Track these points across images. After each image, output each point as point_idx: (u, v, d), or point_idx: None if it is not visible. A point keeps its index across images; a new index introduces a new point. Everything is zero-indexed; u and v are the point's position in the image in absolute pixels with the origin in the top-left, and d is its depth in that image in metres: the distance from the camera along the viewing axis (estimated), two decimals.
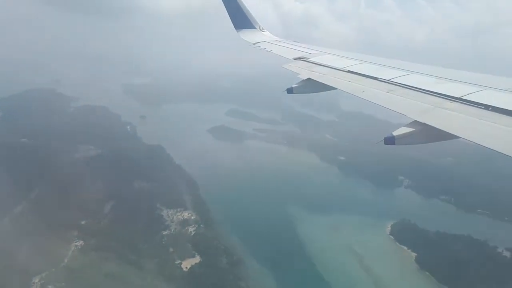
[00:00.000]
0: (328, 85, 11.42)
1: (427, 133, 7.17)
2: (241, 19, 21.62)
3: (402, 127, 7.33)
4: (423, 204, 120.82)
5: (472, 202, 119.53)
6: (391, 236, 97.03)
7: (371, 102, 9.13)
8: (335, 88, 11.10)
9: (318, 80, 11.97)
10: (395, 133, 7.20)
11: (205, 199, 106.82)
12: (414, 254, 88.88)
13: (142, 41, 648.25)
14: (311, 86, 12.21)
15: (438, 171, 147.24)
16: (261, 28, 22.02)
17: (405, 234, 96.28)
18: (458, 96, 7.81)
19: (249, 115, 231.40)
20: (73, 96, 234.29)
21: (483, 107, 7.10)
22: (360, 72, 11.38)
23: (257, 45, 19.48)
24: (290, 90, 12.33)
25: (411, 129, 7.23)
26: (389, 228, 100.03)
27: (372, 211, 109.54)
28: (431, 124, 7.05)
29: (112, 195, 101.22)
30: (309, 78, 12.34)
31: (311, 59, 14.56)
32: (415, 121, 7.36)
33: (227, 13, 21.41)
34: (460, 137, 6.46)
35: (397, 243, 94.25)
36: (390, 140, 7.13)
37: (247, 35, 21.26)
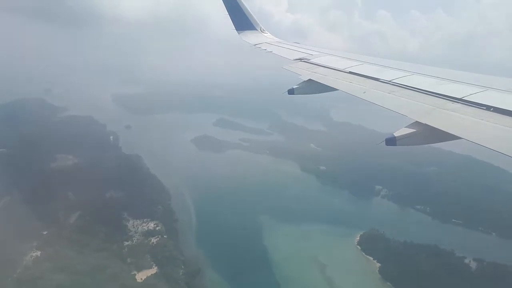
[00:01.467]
0: (329, 86, 11.45)
1: (428, 134, 7.21)
2: (242, 21, 21.87)
3: (404, 128, 7.37)
4: (397, 214, 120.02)
5: (447, 211, 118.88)
6: (358, 246, 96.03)
7: (372, 103, 9.09)
8: (336, 89, 11.11)
9: (319, 81, 12.01)
10: (396, 133, 7.24)
11: (174, 209, 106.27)
12: (378, 265, 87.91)
13: (126, 50, 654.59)
14: (312, 87, 12.25)
15: (419, 180, 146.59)
16: (262, 30, 22.25)
17: (373, 244, 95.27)
18: (460, 97, 7.85)
19: (236, 125, 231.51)
20: (61, 106, 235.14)
21: (484, 108, 7.12)
22: (361, 73, 11.40)
23: (258, 46, 19.57)
24: (291, 91, 12.36)
25: (413, 130, 7.27)
26: (358, 238, 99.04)
27: (344, 220, 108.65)
28: (432, 125, 7.09)
29: (81, 205, 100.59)
30: (310, 79, 12.38)
31: (312, 60, 14.63)
32: (417, 122, 7.42)
33: (228, 15, 21.68)
34: (461, 138, 6.47)
35: (363, 253, 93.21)
36: (391, 141, 7.17)
37: (248, 37, 21.44)
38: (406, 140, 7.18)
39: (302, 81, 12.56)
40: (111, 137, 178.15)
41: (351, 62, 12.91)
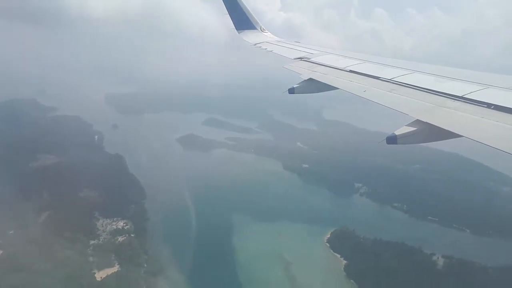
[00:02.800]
0: (330, 85, 11.50)
1: (429, 132, 7.20)
2: (242, 20, 21.94)
3: (404, 126, 7.36)
4: (373, 211, 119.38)
5: (425, 209, 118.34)
6: (327, 244, 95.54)
7: (372, 101, 9.11)
8: (337, 88, 11.15)
9: (319, 80, 12.05)
10: (397, 132, 7.21)
11: (147, 209, 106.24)
12: (345, 262, 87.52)
13: (110, 50, 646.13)
14: (313, 86, 12.28)
15: (401, 178, 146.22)
16: (262, 29, 22.33)
17: (342, 241, 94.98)
18: (460, 95, 7.84)
19: (226, 124, 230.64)
20: (52, 106, 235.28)
21: (485, 105, 7.11)
22: (362, 72, 11.47)
23: (258, 45, 19.65)
24: (291, 90, 12.39)
25: (413, 128, 7.26)
26: (328, 236, 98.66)
27: (318, 218, 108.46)
28: (433, 123, 7.08)
29: (53, 205, 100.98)
30: (310, 78, 12.41)
31: (312, 59, 14.71)
32: (417, 120, 7.42)
33: (228, 14, 21.73)
34: (462, 136, 6.44)
35: (331, 250, 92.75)
36: (392, 140, 7.15)
37: (248, 36, 21.53)
38: (407, 138, 7.17)
39: (302, 80, 12.63)
40: (96, 136, 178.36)
41: (351, 61, 13.01)
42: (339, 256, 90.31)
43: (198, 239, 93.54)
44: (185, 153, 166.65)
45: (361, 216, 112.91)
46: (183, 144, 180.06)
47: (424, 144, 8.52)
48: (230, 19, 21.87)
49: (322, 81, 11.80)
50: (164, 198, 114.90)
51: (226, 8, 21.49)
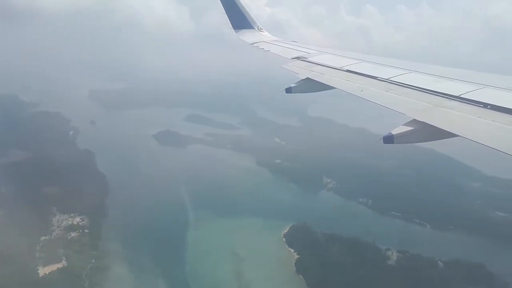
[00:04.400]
0: (327, 85, 11.59)
1: (426, 132, 7.24)
2: (239, 19, 21.94)
3: (401, 126, 7.40)
4: (337, 206, 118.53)
5: (389, 204, 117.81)
6: (284, 239, 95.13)
7: (369, 101, 9.16)
8: (334, 88, 11.21)
9: (316, 79, 12.14)
10: (394, 131, 7.24)
11: (107, 204, 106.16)
12: (297, 257, 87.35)
13: (90, 44, 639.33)
14: (310, 85, 12.33)
15: (372, 173, 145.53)
16: (259, 28, 22.39)
17: (298, 236, 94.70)
18: (457, 95, 7.91)
19: (207, 120, 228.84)
20: (34, 102, 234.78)
21: (482, 105, 7.17)
22: (359, 71, 11.59)
23: (256, 45, 19.72)
24: (289, 90, 12.40)
25: (410, 128, 7.31)
26: (286, 231, 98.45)
27: (280, 213, 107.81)
28: (430, 123, 7.13)
29: (11, 200, 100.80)
30: (307, 78, 12.47)
31: (309, 59, 14.83)
32: (414, 119, 7.45)
33: (226, 13, 21.59)
34: (458, 136, 6.45)
35: (286, 245, 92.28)
36: (388, 139, 7.20)
37: (246, 35, 21.61)
38: (404, 138, 7.22)
39: (299, 79, 12.64)
40: (71, 132, 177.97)
41: (348, 61, 13.12)
42: (292, 251, 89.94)
43: (152, 235, 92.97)
44: (159, 149, 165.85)
45: (324, 211, 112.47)
46: (158, 140, 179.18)
47: None
48: (228, 18, 21.83)
49: (319, 81, 11.91)
50: (127, 194, 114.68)
51: (224, 7, 21.38)
